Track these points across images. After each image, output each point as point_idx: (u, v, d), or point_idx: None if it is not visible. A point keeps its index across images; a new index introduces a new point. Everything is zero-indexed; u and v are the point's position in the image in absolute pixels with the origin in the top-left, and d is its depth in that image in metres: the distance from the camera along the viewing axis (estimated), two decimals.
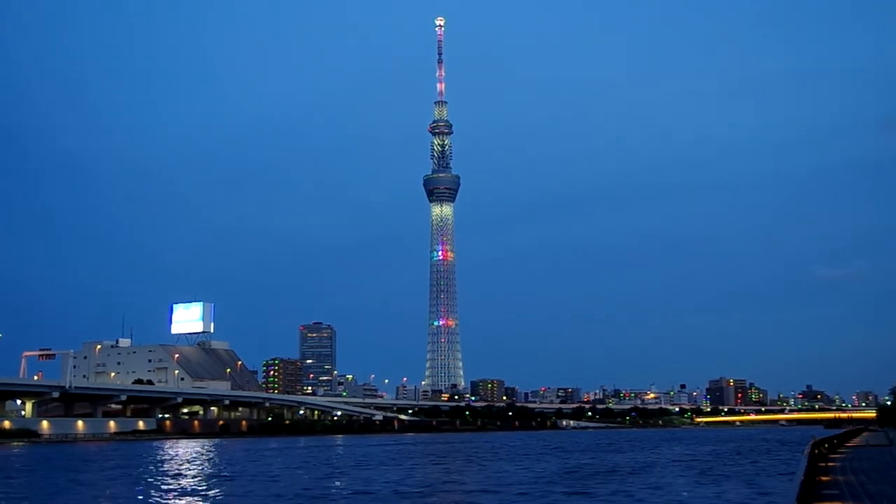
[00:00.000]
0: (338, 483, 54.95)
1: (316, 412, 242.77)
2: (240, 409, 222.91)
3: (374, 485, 52.14)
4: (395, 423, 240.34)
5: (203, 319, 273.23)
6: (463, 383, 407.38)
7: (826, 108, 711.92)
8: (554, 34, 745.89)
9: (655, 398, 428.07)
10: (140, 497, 45.66)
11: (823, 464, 37.49)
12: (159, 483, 54.61)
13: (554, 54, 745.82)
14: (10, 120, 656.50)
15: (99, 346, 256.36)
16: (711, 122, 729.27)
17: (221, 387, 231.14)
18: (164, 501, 43.99)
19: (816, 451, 37.40)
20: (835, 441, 59.75)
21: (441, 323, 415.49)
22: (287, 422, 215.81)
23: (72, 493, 49.34)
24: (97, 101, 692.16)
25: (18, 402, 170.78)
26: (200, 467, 72.71)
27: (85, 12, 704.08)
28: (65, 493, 49.07)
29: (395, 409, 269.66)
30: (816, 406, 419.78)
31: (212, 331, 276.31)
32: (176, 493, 47.66)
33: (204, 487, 51.56)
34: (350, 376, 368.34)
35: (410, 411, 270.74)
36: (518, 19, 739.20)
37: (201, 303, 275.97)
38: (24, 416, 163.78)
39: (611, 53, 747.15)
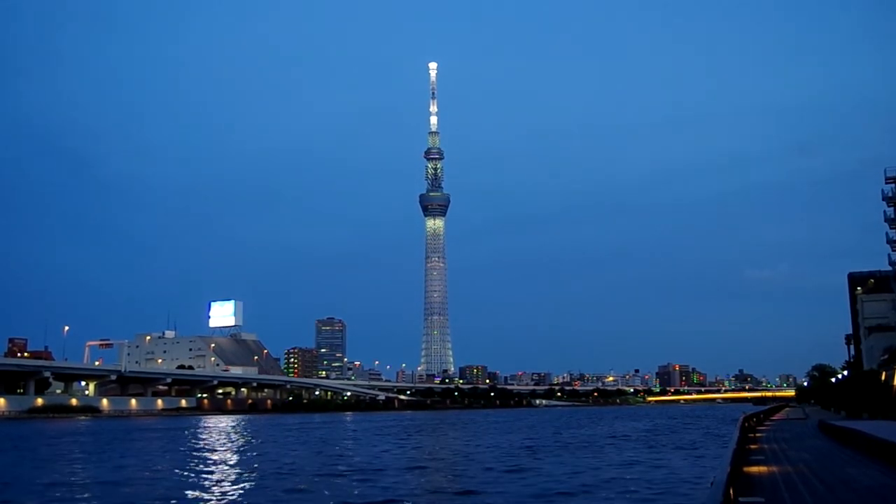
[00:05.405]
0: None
1: (329, 393, 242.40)
2: (265, 389, 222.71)
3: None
4: (396, 403, 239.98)
5: (235, 315, 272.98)
6: (453, 368, 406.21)
7: (749, 137, 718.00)
8: (526, 75, 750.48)
9: (614, 381, 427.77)
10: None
11: (752, 434, 38.43)
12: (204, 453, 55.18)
13: (526, 92, 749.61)
14: (67, 144, 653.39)
15: (148, 337, 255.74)
16: (658, 150, 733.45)
17: (250, 371, 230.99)
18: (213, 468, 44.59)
19: (746, 424, 38.35)
20: (761, 416, 60.81)
21: (434, 317, 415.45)
22: (305, 401, 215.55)
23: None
24: (151, 134, 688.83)
25: (83, 383, 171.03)
26: (236, 438, 73.33)
27: (113, 32, 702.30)
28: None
29: (395, 390, 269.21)
30: (746, 386, 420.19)
31: (242, 324, 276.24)
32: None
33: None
34: (358, 363, 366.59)
35: (408, 392, 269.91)
36: (497, 64, 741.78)
37: (233, 301, 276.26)
38: (87, 395, 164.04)
39: (571, 93, 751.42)
